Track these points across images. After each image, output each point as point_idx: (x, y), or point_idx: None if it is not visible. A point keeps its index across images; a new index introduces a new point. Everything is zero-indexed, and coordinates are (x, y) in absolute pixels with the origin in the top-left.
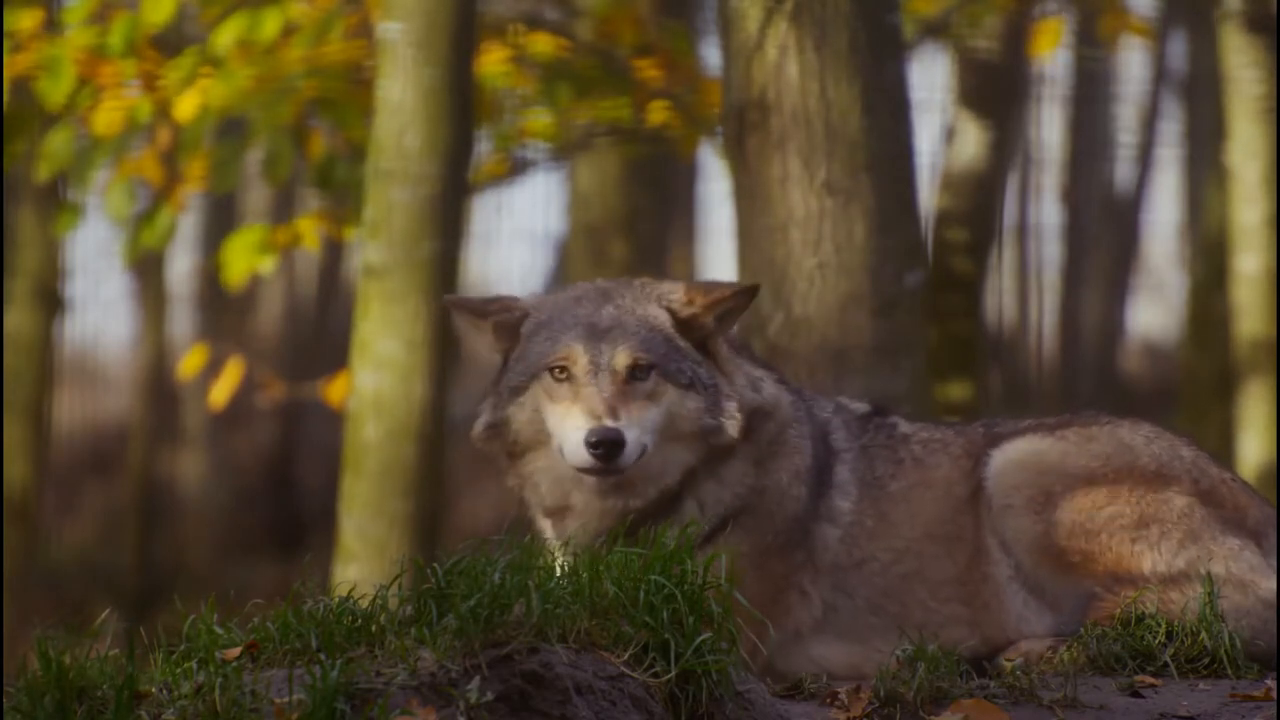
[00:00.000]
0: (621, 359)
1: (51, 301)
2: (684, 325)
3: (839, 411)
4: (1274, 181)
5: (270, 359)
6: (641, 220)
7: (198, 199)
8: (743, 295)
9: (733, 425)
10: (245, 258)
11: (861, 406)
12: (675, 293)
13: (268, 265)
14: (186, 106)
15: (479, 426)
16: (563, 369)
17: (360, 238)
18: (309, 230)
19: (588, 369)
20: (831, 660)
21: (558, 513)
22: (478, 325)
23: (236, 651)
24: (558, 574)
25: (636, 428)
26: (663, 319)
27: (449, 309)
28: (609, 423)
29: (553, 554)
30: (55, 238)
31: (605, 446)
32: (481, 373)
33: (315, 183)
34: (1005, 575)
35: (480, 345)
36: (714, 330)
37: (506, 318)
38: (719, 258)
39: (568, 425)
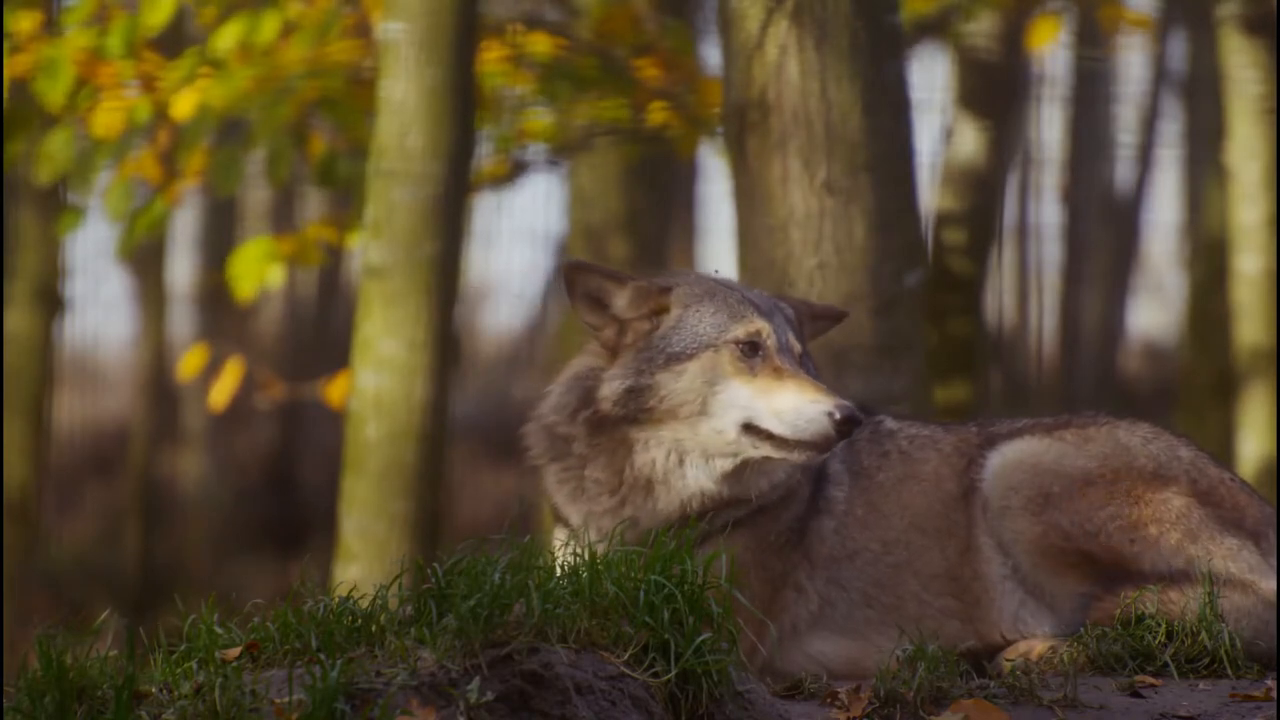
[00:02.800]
0: (797, 345)
1: (51, 301)
2: (801, 328)
3: None
4: (1274, 181)
5: (270, 359)
6: (641, 220)
7: (198, 200)
8: (840, 318)
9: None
10: (254, 270)
11: None
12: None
13: (276, 276)
14: (185, 105)
15: (616, 389)
16: (753, 345)
17: (362, 238)
18: (314, 243)
19: (777, 347)
20: (829, 656)
21: (639, 489)
22: (614, 290)
23: (236, 651)
24: (558, 574)
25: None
26: (790, 313)
27: (572, 273)
28: (845, 401)
29: (567, 542)
30: (56, 239)
31: (847, 424)
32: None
33: (317, 181)
34: (999, 574)
35: (596, 318)
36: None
37: (648, 285)
38: (719, 258)
39: (787, 400)
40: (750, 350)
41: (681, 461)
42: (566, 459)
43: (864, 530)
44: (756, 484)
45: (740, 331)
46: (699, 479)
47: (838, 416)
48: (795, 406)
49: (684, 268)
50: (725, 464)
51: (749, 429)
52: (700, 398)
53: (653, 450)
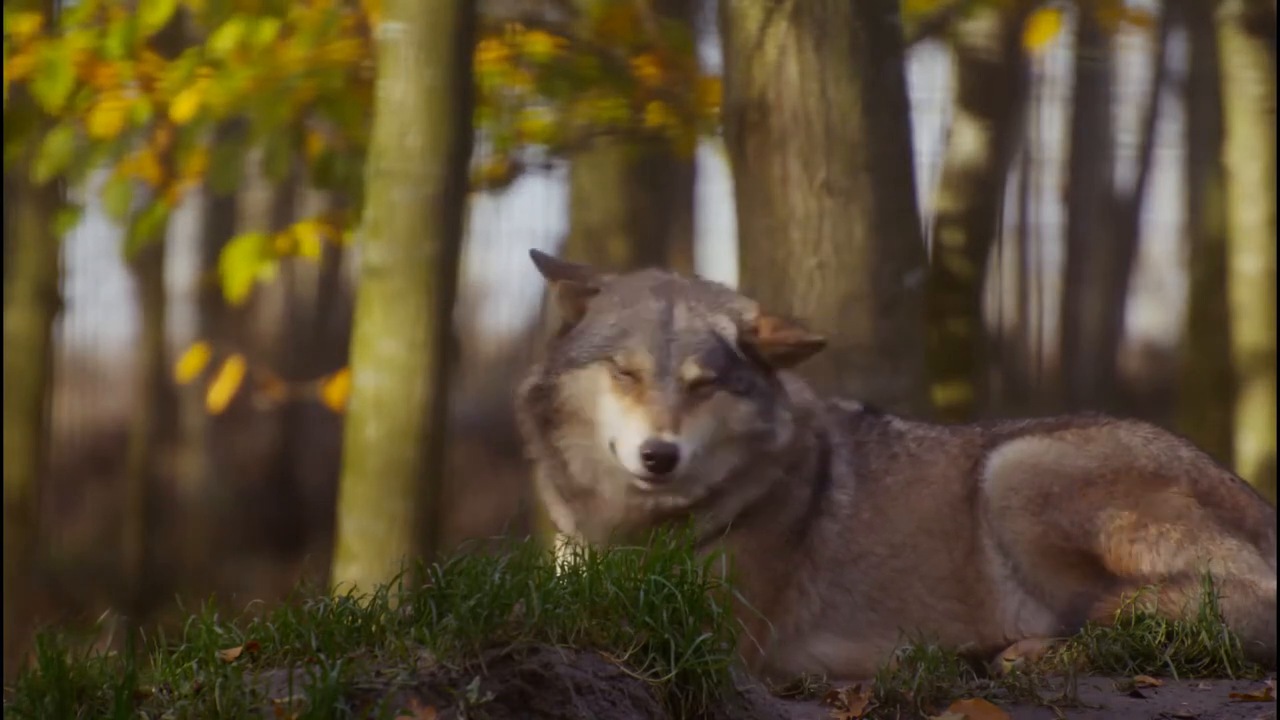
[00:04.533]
0: (690, 370)
1: (51, 301)
2: (744, 345)
3: (832, 410)
4: (1274, 181)
5: (270, 359)
6: (641, 220)
7: (198, 200)
8: (807, 348)
9: (785, 431)
10: (245, 266)
11: (854, 405)
12: (748, 312)
13: (268, 272)
14: (184, 105)
15: (526, 387)
16: (632, 368)
17: (361, 238)
18: (308, 236)
19: (656, 372)
20: (831, 657)
21: (581, 497)
22: (549, 285)
23: (236, 651)
24: (558, 574)
25: (694, 440)
26: (730, 332)
27: (533, 262)
28: (668, 436)
29: (567, 542)
30: (55, 237)
31: (658, 460)
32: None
33: (314, 180)
34: (1001, 575)
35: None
36: (767, 361)
37: (575, 285)
38: (719, 258)
39: (628, 428)
40: (628, 371)
41: (597, 470)
42: (529, 445)
43: (870, 534)
44: (690, 491)
45: (621, 352)
46: (618, 494)
47: (647, 451)
48: (628, 437)
49: (654, 268)
50: (627, 476)
51: (612, 448)
52: (591, 406)
53: (571, 455)
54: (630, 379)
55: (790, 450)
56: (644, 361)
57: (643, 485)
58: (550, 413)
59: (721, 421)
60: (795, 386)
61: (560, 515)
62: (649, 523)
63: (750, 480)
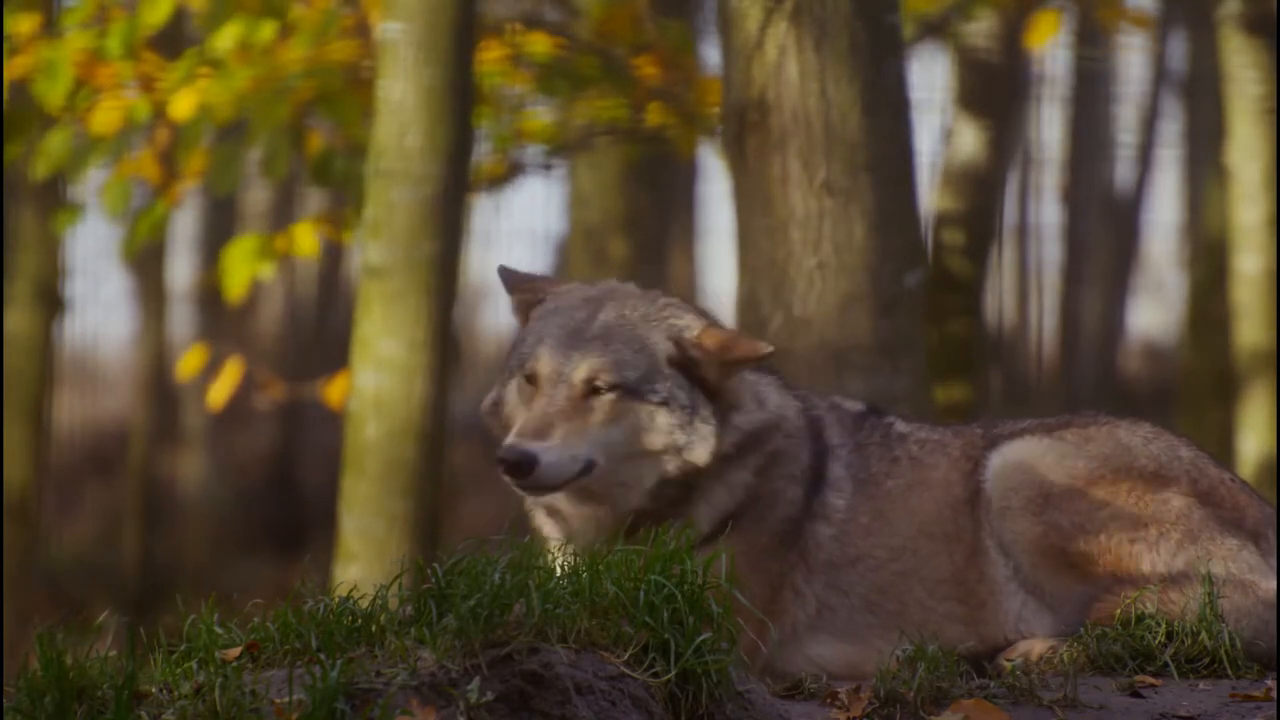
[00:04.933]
0: (581, 372)
1: (51, 301)
2: (685, 362)
3: (833, 409)
4: (1274, 181)
5: (270, 359)
6: (641, 220)
7: (198, 200)
8: (755, 360)
9: (703, 449)
10: (244, 267)
11: (857, 406)
12: (691, 330)
13: (267, 272)
14: (184, 105)
15: (488, 400)
16: (531, 374)
17: (361, 238)
18: (308, 236)
19: (550, 377)
20: (829, 659)
21: (546, 508)
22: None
23: (236, 651)
24: (558, 574)
25: (572, 447)
26: (662, 348)
27: (499, 274)
28: (527, 443)
29: (549, 550)
30: (55, 238)
31: (509, 465)
32: (482, 372)
33: (313, 177)
34: (1003, 576)
35: None
36: (715, 376)
37: (526, 298)
38: (719, 258)
39: (506, 435)
40: (531, 379)
41: None
42: None
43: (868, 537)
44: (620, 499)
45: (527, 360)
46: (569, 507)
47: (499, 455)
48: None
49: (614, 280)
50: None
51: None
52: (513, 415)
53: None
54: (532, 387)
55: (756, 453)
56: (542, 368)
57: (516, 490)
58: (499, 427)
59: (630, 432)
60: (766, 390)
61: (544, 524)
62: (609, 533)
63: (719, 485)
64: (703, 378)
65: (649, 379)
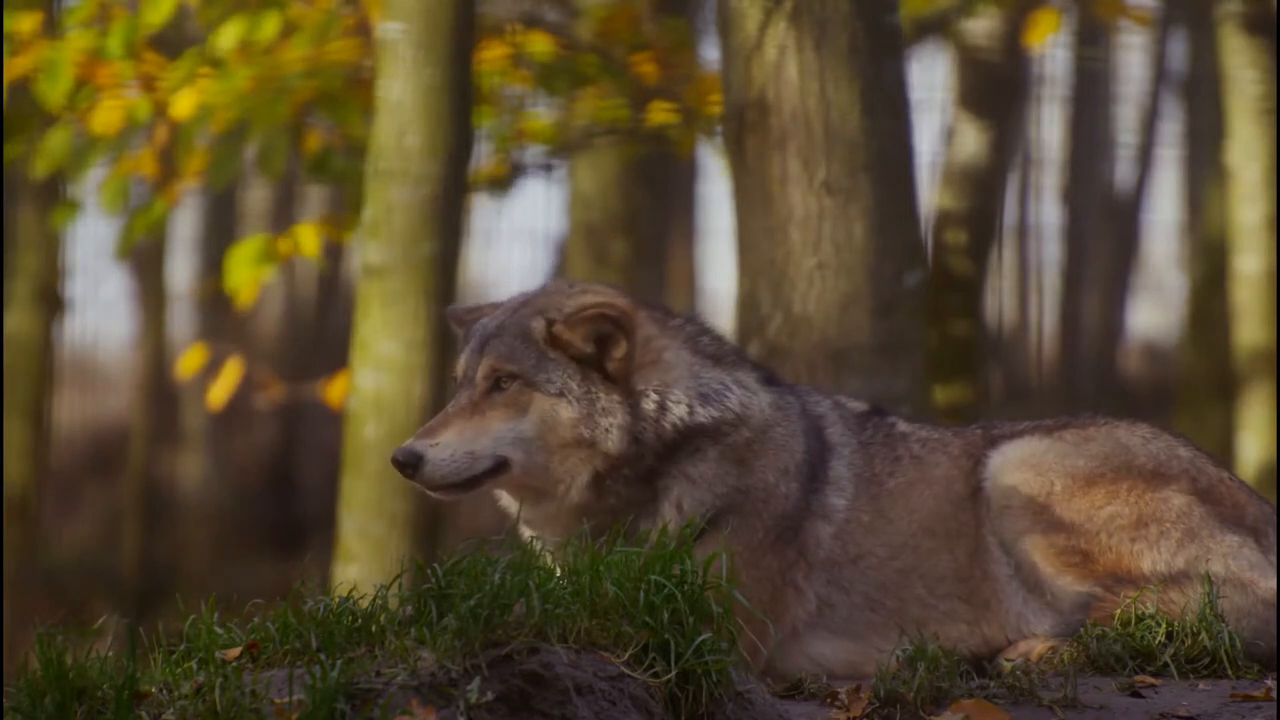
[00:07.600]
0: (483, 369)
1: (51, 301)
2: (554, 340)
3: (836, 408)
4: (1274, 181)
5: (270, 359)
6: (641, 220)
7: (198, 200)
8: (601, 321)
9: (610, 440)
10: (248, 270)
11: (860, 405)
12: (565, 308)
13: (270, 274)
14: (184, 104)
15: None
16: (454, 379)
17: (360, 238)
18: (309, 236)
19: (463, 381)
20: (829, 658)
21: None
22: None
23: (236, 651)
24: (558, 574)
25: (468, 443)
26: (540, 330)
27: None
28: (417, 443)
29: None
30: (54, 236)
31: (396, 464)
32: None
33: (310, 175)
34: (1006, 574)
35: None
36: (593, 353)
37: (469, 320)
38: (719, 258)
39: None
40: (458, 386)
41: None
42: None
43: (869, 536)
44: (569, 496)
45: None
46: (509, 502)
47: (391, 456)
48: None
49: (581, 279)
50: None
51: None
52: None
53: None
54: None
55: (724, 445)
56: (457, 372)
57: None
58: None
59: (540, 423)
60: (732, 385)
61: (523, 527)
62: (570, 531)
63: (681, 480)
64: (603, 367)
65: (541, 367)
